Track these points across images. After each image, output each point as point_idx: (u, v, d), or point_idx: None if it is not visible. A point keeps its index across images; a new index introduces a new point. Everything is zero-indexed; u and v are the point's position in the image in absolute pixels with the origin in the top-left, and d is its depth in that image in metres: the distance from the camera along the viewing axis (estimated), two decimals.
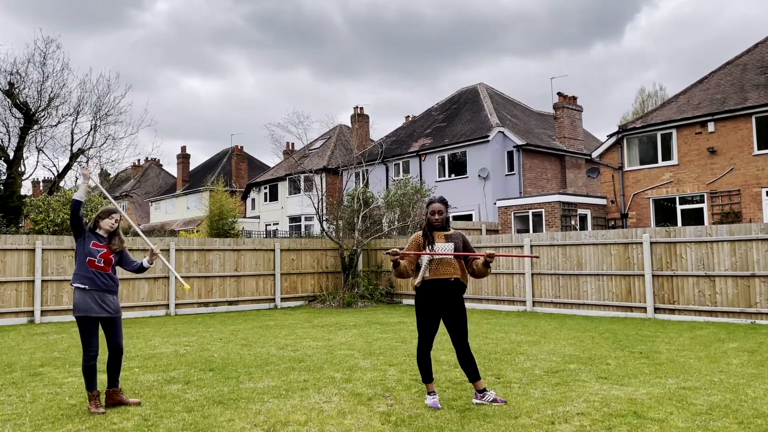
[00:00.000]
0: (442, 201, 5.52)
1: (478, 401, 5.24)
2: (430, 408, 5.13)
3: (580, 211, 21.77)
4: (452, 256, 5.25)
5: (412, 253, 5.27)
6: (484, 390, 5.27)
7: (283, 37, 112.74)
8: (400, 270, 5.20)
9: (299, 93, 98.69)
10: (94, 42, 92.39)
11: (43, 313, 12.70)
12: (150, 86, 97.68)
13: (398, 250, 5.18)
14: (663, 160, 20.86)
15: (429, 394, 5.30)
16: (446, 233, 5.42)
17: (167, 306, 14.27)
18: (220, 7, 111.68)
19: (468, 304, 14.94)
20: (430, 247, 5.28)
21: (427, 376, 5.33)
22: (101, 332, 5.32)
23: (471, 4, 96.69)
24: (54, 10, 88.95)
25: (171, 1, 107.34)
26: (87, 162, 5.73)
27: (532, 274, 13.85)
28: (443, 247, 5.28)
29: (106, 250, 5.29)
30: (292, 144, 37.58)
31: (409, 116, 37.40)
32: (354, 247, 16.98)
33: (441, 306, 5.26)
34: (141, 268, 5.54)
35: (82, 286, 5.17)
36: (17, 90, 19.52)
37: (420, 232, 5.45)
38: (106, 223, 5.33)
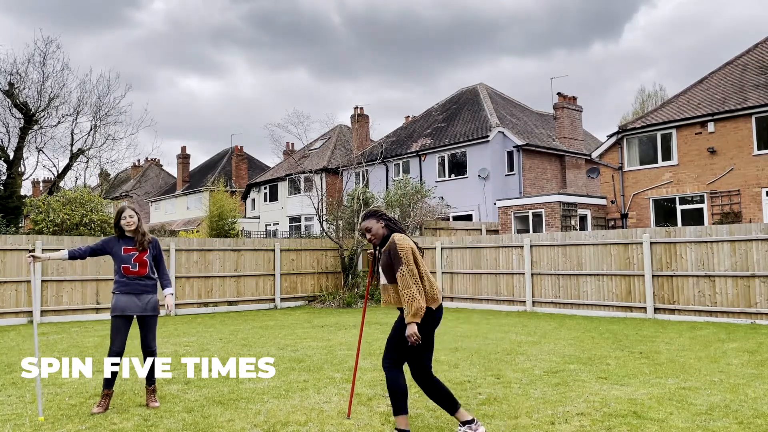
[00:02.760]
0: (369, 215, 4.44)
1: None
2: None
3: (580, 211, 21.77)
4: (386, 282, 4.38)
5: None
6: (469, 422, 4.27)
7: (281, 36, 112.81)
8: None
9: (298, 93, 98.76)
10: (91, 42, 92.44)
11: (43, 313, 12.69)
12: (148, 86, 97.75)
13: None
14: (663, 160, 20.86)
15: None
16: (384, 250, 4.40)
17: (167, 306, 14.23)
18: (217, 7, 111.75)
19: (468, 304, 14.95)
20: (375, 267, 4.56)
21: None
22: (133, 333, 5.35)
23: (470, 4, 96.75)
24: (52, 10, 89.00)
25: (168, 1, 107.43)
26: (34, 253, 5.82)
27: (532, 275, 13.85)
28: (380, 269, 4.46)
29: (137, 253, 5.28)
30: (292, 144, 37.63)
31: (408, 116, 37.39)
32: (354, 248, 16.98)
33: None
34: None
35: (118, 292, 5.28)
36: (17, 90, 19.51)
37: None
38: (124, 224, 5.26)
